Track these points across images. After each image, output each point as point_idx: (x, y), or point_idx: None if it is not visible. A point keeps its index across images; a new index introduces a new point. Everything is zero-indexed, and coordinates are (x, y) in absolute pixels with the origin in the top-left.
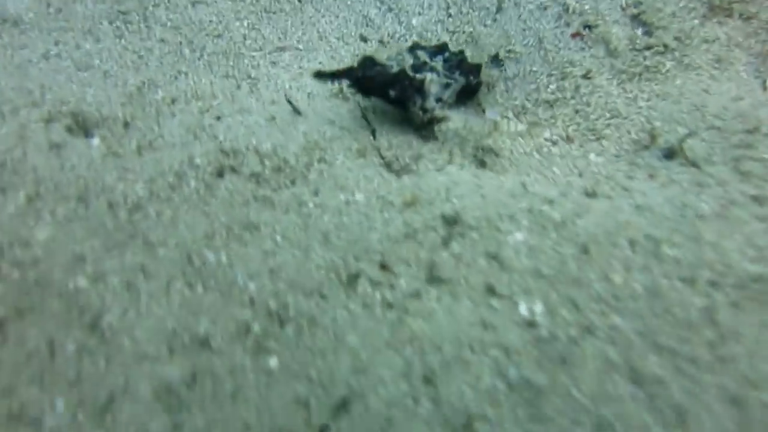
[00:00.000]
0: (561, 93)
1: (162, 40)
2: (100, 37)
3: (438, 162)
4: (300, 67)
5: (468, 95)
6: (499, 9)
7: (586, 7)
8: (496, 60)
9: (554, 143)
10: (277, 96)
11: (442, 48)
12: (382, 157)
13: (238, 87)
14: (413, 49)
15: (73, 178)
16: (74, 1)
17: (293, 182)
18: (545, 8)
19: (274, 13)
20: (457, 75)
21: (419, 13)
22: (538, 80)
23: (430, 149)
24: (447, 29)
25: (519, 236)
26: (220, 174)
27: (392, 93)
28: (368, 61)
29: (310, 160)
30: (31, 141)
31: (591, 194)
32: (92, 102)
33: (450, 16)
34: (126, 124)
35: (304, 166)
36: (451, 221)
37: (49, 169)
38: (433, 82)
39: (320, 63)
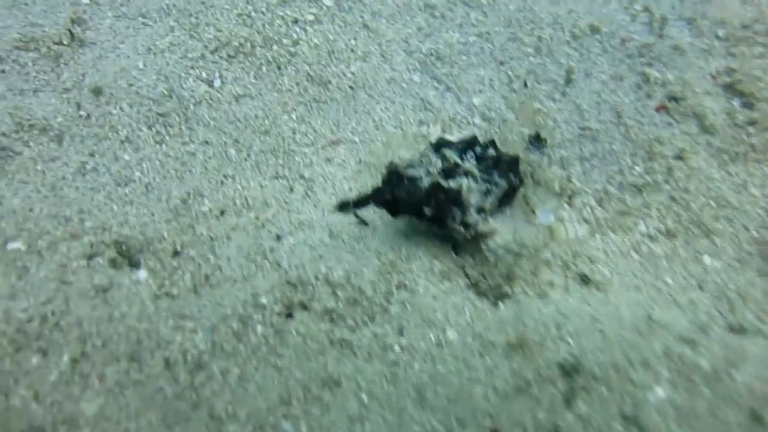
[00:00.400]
0: (650, 176)
1: (206, 142)
2: (139, 145)
3: (536, 283)
4: (359, 161)
5: (509, 195)
6: (568, 81)
7: (670, 76)
8: (536, 141)
9: (653, 239)
10: (336, 199)
11: (471, 143)
12: (468, 278)
13: (291, 190)
14: (439, 147)
15: (124, 330)
16: (107, 103)
17: (372, 318)
18: (621, 78)
19: (325, 102)
20: (495, 176)
21: (480, 91)
22: (621, 161)
23: (521, 268)
24: (510, 107)
25: (660, 393)
26: (289, 314)
27: (428, 211)
28: (394, 177)
29: (389, 287)
30: (73, 286)
31: (738, 330)
32: (135, 224)
33: (514, 91)
34: (176, 253)
35: (383, 296)
36: (570, 370)
37: (95, 321)
38: (471, 191)
39: (361, 168)
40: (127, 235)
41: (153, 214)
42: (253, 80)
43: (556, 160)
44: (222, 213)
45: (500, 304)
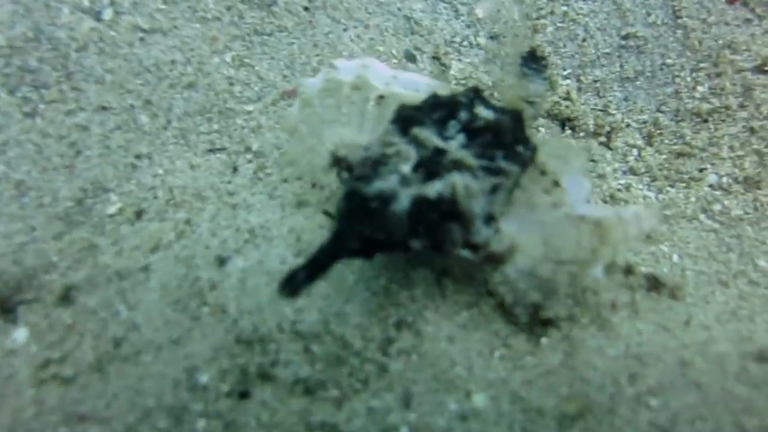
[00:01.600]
0: (719, 99)
1: (102, 108)
2: (0, 122)
3: (591, 305)
4: None
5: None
6: None
7: None
8: (533, 60)
9: (727, 192)
10: (301, 185)
11: (451, 104)
12: (493, 297)
13: (235, 170)
14: (406, 123)
15: None
16: None
17: (366, 383)
18: None
19: (270, 34)
20: (500, 158)
21: None
22: (678, 80)
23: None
24: (527, 14)
25: None
26: (244, 392)
27: (416, 245)
28: (356, 204)
29: (385, 331)
30: None
31: None
32: (6, 249)
33: None
34: (64, 297)
35: (378, 346)
36: None
37: None
38: (471, 193)
39: None
40: None
41: (33, 229)
42: (162, 5)
43: (587, 84)
44: (138, 215)
45: (545, 344)
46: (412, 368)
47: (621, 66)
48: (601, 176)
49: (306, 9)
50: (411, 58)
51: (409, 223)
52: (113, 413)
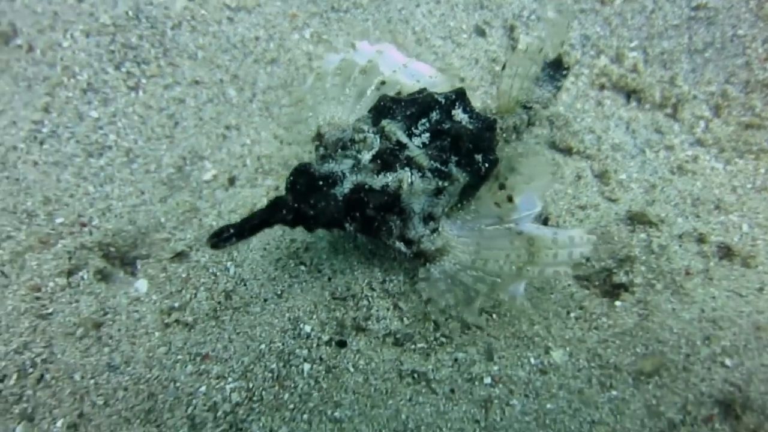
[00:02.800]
0: None
1: (195, 82)
2: (107, 95)
3: (666, 273)
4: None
5: (476, 185)
6: None
7: None
8: (555, 67)
9: None
10: None
11: (428, 104)
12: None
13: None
14: (381, 113)
15: (130, 381)
16: (52, 29)
17: (449, 337)
18: None
19: (346, 11)
20: (452, 166)
21: None
22: (749, 51)
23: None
24: None
25: None
26: (341, 343)
27: (350, 227)
28: (302, 179)
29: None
30: (55, 320)
31: None
32: (121, 210)
33: None
34: (179, 254)
35: (462, 306)
36: (733, 406)
37: (91, 371)
38: (414, 192)
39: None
40: (112, 230)
41: (142, 193)
42: None
43: (654, 56)
44: (231, 182)
45: (617, 303)
46: (493, 326)
47: (690, 38)
48: (669, 147)
49: None
50: (480, 32)
51: (346, 207)
52: (231, 355)
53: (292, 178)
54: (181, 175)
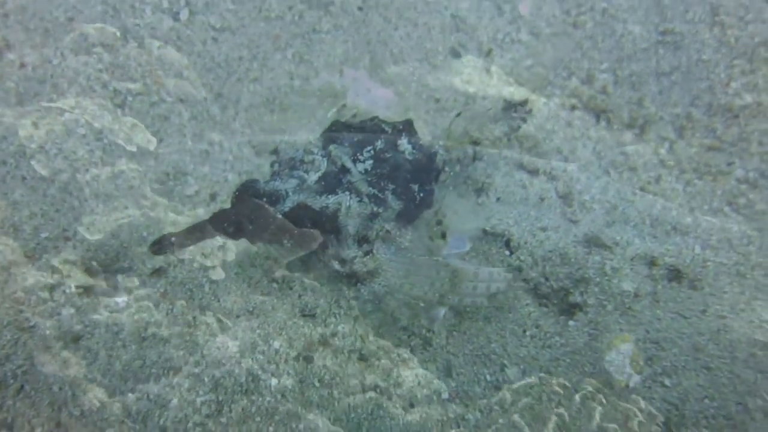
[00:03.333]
0: (752, 94)
1: (180, 100)
2: (95, 113)
3: (612, 291)
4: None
5: (412, 214)
6: None
7: None
8: (517, 109)
9: (753, 186)
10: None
11: (375, 132)
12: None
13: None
14: (330, 137)
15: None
16: (43, 45)
17: (412, 353)
18: None
19: (327, 32)
20: (389, 194)
21: None
22: (712, 75)
23: None
24: (567, 11)
25: None
26: (307, 360)
27: (287, 243)
28: (247, 194)
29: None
30: (36, 333)
31: None
32: (104, 226)
33: None
34: (157, 269)
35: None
36: (671, 425)
37: (69, 382)
38: (350, 214)
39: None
40: (95, 244)
41: (126, 207)
42: (231, 5)
43: (623, 78)
44: (212, 197)
45: (570, 323)
46: (453, 343)
47: (657, 62)
48: (632, 168)
49: (360, 9)
50: (456, 54)
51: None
52: (202, 369)
53: (237, 192)
54: (165, 189)
